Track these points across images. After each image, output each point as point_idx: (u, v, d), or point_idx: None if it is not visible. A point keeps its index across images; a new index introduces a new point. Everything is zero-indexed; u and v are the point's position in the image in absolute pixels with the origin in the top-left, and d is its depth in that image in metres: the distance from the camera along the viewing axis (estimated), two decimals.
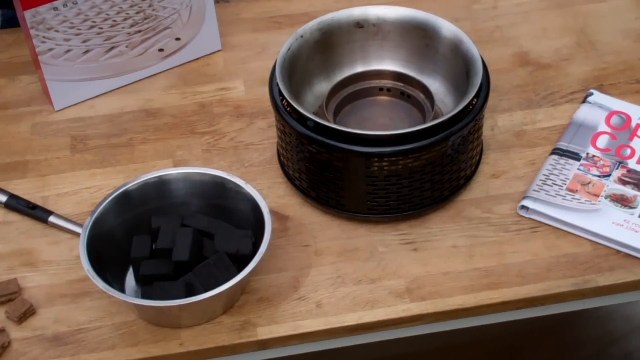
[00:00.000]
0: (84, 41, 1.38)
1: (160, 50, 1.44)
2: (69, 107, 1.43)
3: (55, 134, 1.40)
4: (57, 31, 1.35)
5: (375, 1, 1.41)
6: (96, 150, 1.37)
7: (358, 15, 1.32)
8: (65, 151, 1.37)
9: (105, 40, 1.39)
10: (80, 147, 1.38)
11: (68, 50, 1.37)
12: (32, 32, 1.33)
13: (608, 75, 1.44)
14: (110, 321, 1.16)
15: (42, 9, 1.32)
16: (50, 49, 1.36)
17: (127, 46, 1.41)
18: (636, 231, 1.21)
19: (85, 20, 1.36)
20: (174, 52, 1.46)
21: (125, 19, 1.39)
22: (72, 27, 1.35)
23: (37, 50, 1.35)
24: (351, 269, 1.20)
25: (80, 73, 1.40)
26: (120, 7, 1.38)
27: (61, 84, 1.39)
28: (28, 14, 1.31)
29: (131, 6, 1.38)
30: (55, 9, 1.33)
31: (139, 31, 1.41)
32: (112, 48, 1.40)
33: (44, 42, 1.35)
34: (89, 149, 1.38)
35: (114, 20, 1.39)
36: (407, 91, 1.33)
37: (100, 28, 1.38)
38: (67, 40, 1.36)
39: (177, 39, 1.45)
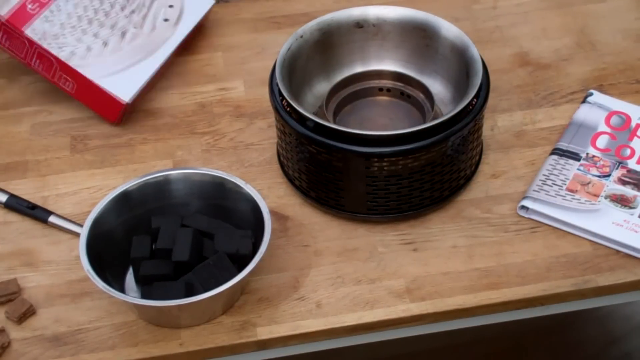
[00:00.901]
0: (95, 35, 1.39)
1: (166, 20, 1.46)
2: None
3: (55, 134, 1.40)
4: (64, 36, 1.36)
5: (375, 1, 1.41)
6: (96, 150, 1.37)
7: (358, 15, 1.32)
8: (65, 151, 1.37)
9: (112, 28, 1.41)
10: (80, 147, 1.38)
11: (89, 49, 1.38)
12: (45, 44, 1.34)
13: (608, 76, 1.44)
14: (110, 321, 1.16)
15: (36, 22, 1.34)
16: (72, 53, 1.36)
17: (134, 27, 1.42)
18: (636, 231, 1.21)
19: (79, 19, 1.38)
20: (179, 19, 1.48)
21: (112, 6, 1.42)
22: (74, 27, 1.37)
23: (61, 57, 1.35)
24: (351, 269, 1.20)
25: (118, 63, 1.40)
26: None
27: (111, 78, 1.38)
28: (30, 32, 1.33)
29: None
30: (47, 18, 1.35)
31: (133, 11, 1.43)
32: (124, 33, 1.42)
33: (61, 48, 1.35)
34: (89, 149, 1.38)
35: (104, 10, 1.41)
36: (407, 91, 1.33)
37: (99, 20, 1.40)
38: (79, 40, 1.37)
39: (170, 6, 1.47)
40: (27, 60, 1.37)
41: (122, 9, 1.43)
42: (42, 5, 1.36)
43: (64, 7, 1.38)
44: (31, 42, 1.34)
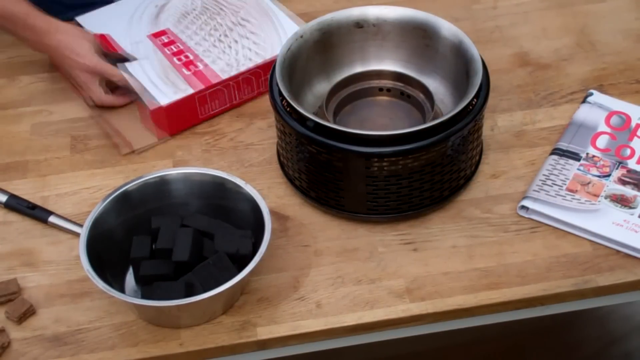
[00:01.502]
0: (242, 36, 1.46)
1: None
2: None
3: (55, 134, 1.40)
4: (235, 55, 1.42)
5: (375, 1, 1.41)
6: (96, 150, 1.37)
7: (358, 15, 1.32)
8: (65, 151, 1.37)
9: (236, 25, 1.48)
10: (80, 147, 1.38)
11: (251, 47, 1.43)
12: (237, 70, 1.39)
13: (608, 76, 1.44)
14: (110, 321, 1.16)
15: (214, 68, 1.40)
16: (252, 57, 1.41)
17: (240, 19, 1.50)
18: (636, 231, 1.21)
19: (220, 40, 1.45)
20: None
21: (211, 17, 1.50)
22: (227, 47, 1.44)
23: (256, 63, 1.40)
24: (351, 269, 1.20)
25: (274, 37, 1.45)
26: (202, 19, 1.51)
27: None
28: (220, 73, 1.38)
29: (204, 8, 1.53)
30: (212, 61, 1.41)
31: (219, 12, 1.51)
32: (241, 22, 1.49)
33: (243, 62, 1.40)
34: (89, 149, 1.38)
35: (213, 24, 1.49)
36: (407, 91, 1.33)
37: (222, 31, 1.47)
38: (242, 49, 1.43)
39: None
40: (239, 99, 1.41)
41: (217, 14, 1.50)
42: (195, 61, 1.41)
43: (203, 43, 1.45)
44: (228, 80, 1.38)
